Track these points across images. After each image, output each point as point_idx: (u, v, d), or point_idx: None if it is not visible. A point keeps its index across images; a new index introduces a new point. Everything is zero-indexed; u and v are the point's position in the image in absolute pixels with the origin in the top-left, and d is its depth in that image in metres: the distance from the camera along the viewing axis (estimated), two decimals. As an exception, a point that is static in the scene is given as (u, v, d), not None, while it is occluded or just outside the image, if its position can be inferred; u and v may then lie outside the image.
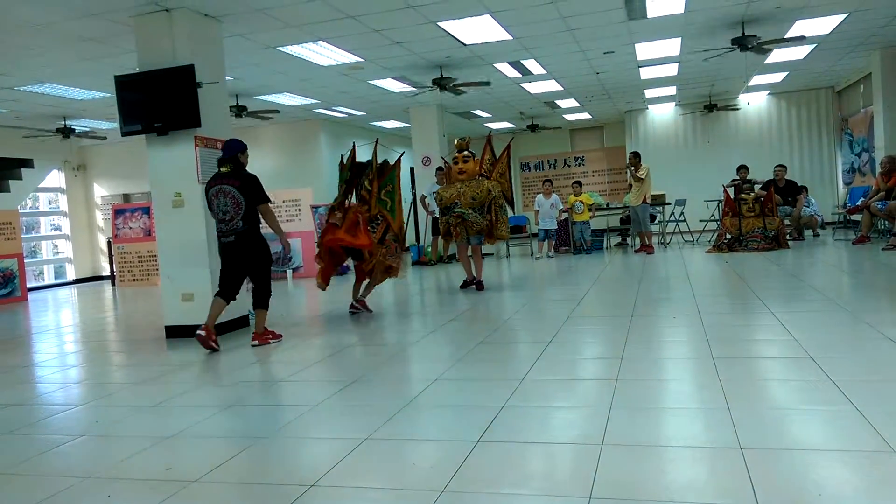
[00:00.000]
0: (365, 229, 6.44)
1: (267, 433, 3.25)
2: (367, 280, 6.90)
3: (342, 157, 7.06)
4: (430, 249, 12.20)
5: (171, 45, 6.28)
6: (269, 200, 5.60)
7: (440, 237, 11.96)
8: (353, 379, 4.20)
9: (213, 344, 5.41)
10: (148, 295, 10.66)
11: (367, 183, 6.72)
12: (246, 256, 5.55)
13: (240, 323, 6.51)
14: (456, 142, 8.09)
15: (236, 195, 5.45)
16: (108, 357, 5.86)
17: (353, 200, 6.75)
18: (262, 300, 5.64)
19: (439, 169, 12.37)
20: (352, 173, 6.80)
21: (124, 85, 6.38)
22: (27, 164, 13.16)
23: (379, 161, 6.95)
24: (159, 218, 6.44)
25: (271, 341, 5.66)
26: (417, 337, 5.65)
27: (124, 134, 6.42)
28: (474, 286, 8.08)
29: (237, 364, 5.01)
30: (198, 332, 5.42)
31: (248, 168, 5.71)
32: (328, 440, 3.15)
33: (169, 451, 3.14)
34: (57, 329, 7.87)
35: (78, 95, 9.80)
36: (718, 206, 12.27)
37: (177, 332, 6.24)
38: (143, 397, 4.22)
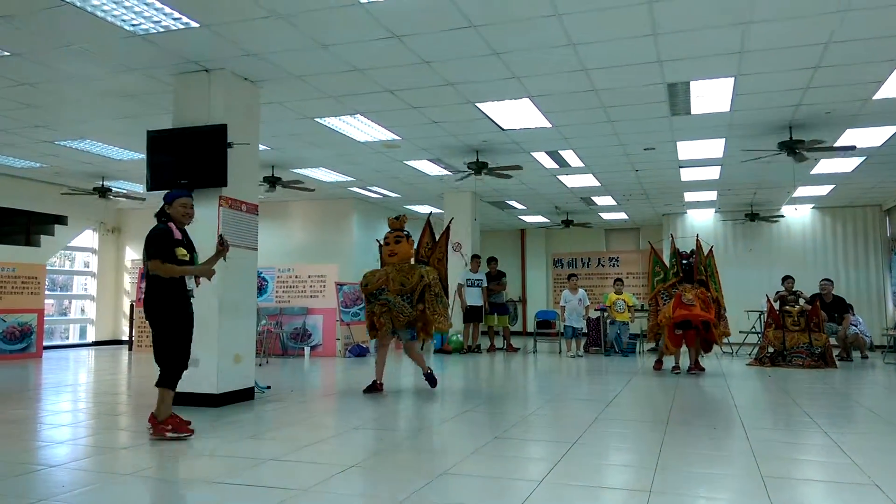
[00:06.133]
0: (710, 306, 8.59)
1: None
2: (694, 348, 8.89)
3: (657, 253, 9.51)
4: (454, 338, 11.80)
5: (206, 105, 6.25)
6: (157, 256, 4.47)
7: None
8: (353, 463, 3.76)
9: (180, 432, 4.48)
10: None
11: (702, 269, 8.92)
12: (150, 323, 4.56)
13: (246, 394, 6.14)
14: (389, 220, 7.01)
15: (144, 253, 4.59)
16: (101, 420, 5.47)
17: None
18: (163, 376, 4.53)
19: (475, 256, 12.16)
20: (680, 263, 8.88)
21: (155, 141, 6.32)
22: (61, 220, 13.31)
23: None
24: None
25: (169, 434, 4.42)
26: (431, 423, 5.18)
27: (150, 189, 6.31)
28: (377, 389, 6.75)
29: (234, 436, 4.60)
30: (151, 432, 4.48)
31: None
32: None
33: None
34: (57, 387, 7.55)
35: (116, 155, 9.86)
36: (760, 317, 11.69)
37: (178, 400, 5.85)
38: (121, 464, 3.84)
